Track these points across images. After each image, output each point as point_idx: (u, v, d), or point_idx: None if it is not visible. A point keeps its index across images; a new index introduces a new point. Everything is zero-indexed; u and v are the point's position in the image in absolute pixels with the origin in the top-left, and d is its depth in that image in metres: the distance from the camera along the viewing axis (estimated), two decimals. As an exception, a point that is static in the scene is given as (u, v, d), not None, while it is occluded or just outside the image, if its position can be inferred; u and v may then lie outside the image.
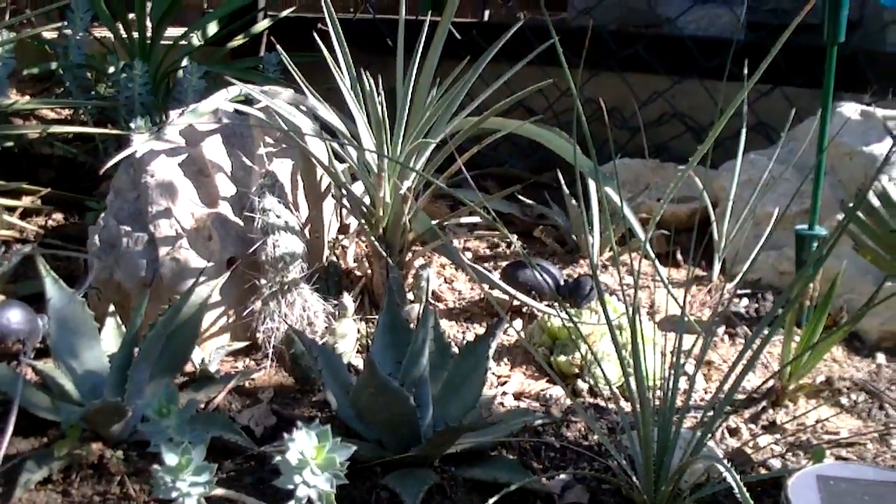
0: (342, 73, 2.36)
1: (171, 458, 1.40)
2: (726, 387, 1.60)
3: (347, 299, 2.19)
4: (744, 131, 2.56)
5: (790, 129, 2.56)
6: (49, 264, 1.96)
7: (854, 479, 1.57)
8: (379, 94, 2.25)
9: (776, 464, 1.79)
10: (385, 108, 2.24)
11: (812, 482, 1.55)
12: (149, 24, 3.31)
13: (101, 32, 3.46)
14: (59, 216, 2.92)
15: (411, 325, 1.88)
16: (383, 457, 1.69)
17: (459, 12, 2.38)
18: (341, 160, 2.40)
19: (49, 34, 3.64)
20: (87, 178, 3.12)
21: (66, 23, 3.22)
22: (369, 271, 2.36)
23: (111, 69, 3.11)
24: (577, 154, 1.72)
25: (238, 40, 3.47)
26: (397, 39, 2.34)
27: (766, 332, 1.61)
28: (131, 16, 3.37)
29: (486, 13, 3.80)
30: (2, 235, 2.66)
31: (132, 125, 2.53)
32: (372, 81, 2.25)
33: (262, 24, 3.54)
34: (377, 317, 2.23)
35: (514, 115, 2.36)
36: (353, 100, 2.32)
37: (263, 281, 2.14)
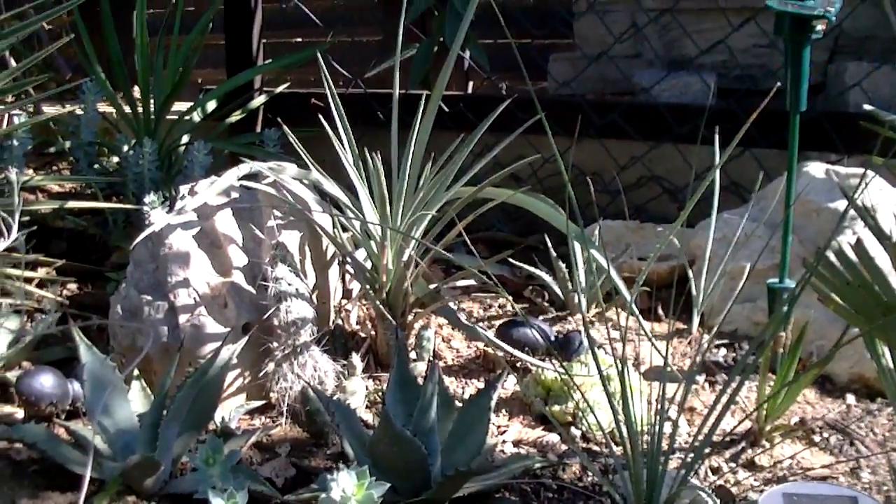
0: (344, 147, 2.54)
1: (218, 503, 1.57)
2: (706, 428, 1.78)
3: (356, 359, 2.37)
4: (717, 192, 2.73)
5: (760, 188, 2.73)
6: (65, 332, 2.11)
7: (814, 494, 1.77)
8: (377, 167, 2.43)
9: (755, 497, 1.96)
10: (386, 182, 2.42)
11: (779, 499, 1.75)
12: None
13: (105, 107, 3.61)
14: (73, 286, 3.07)
15: (419, 382, 2.05)
16: (398, 502, 1.86)
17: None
18: (344, 229, 2.57)
19: (50, 110, 3.81)
20: (97, 249, 3.28)
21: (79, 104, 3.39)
22: (373, 333, 2.53)
23: (125, 147, 3.28)
24: (567, 220, 1.89)
25: (236, 116, 3.65)
26: (390, 113, 2.52)
27: (739, 377, 1.79)
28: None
29: (470, 85, 3.98)
30: (22, 305, 2.80)
31: (145, 200, 2.70)
32: (377, 158, 2.42)
33: (259, 100, 3.71)
34: (383, 375, 2.42)
35: (500, 182, 2.53)
36: (356, 173, 2.50)
37: (276, 344, 2.30)
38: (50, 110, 3.88)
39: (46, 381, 2.32)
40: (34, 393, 2.30)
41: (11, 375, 2.48)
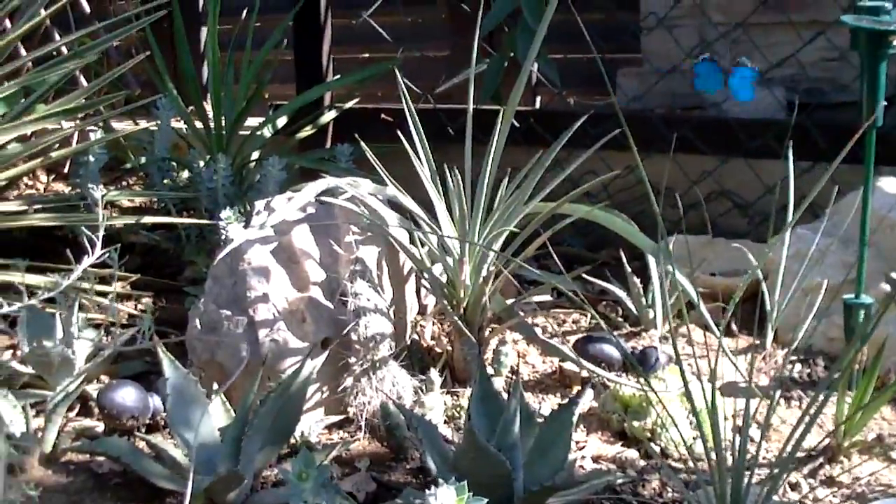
0: (422, 162, 2.55)
1: (311, 517, 1.59)
2: (789, 445, 1.77)
3: (434, 374, 2.38)
4: (791, 207, 2.71)
5: (834, 203, 2.72)
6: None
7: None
8: (458, 183, 2.44)
9: (834, 515, 1.96)
10: (465, 198, 2.43)
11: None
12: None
13: (175, 123, 3.65)
14: (147, 300, 3.10)
15: (500, 397, 2.06)
16: (484, 516, 1.87)
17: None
18: (420, 244, 2.58)
19: (120, 126, 3.85)
20: (170, 264, 3.31)
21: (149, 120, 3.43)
22: (449, 348, 2.54)
23: (199, 162, 3.31)
24: (640, 234, 1.89)
25: (306, 131, 3.67)
26: (460, 128, 2.53)
27: (823, 395, 1.79)
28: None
29: (538, 99, 3.99)
30: (97, 319, 2.83)
31: (221, 216, 2.72)
32: (457, 174, 2.43)
33: (329, 116, 3.73)
34: (460, 390, 2.43)
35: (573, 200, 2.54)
36: (434, 188, 2.51)
37: (354, 359, 2.32)
38: (119, 126, 3.92)
39: (128, 395, 2.34)
40: (116, 406, 2.32)
41: (91, 389, 2.51)
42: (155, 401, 2.38)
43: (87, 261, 2.16)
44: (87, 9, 4.55)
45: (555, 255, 2.63)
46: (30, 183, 4.32)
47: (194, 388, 2.11)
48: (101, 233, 2.22)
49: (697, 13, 3.59)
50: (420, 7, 4.15)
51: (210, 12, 3.52)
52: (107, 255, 2.16)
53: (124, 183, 4.06)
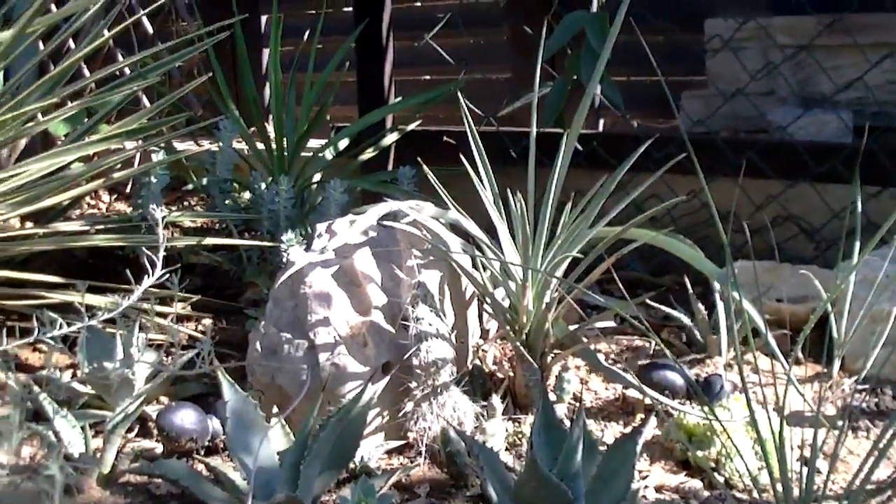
0: (484, 185, 2.53)
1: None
2: (858, 479, 1.73)
3: (496, 400, 2.36)
4: (858, 232, 2.67)
5: (901, 229, 2.67)
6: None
7: None
8: (521, 207, 2.42)
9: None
10: (528, 223, 2.40)
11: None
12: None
13: (237, 144, 3.65)
14: (207, 321, 3.10)
15: (563, 425, 2.03)
16: (546, 546, 1.84)
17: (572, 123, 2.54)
18: (482, 268, 2.56)
19: (182, 146, 3.86)
20: (230, 285, 3.31)
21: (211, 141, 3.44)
22: (511, 373, 2.52)
23: (261, 184, 3.30)
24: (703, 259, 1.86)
25: (368, 154, 3.66)
26: (523, 151, 2.51)
27: (891, 428, 1.74)
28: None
29: (601, 122, 3.96)
30: (157, 340, 2.83)
31: (283, 238, 2.71)
32: (520, 198, 2.41)
33: (391, 138, 3.72)
34: (521, 416, 2.40)
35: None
36: (496, 212, 2.49)
37: (415, 384, 2.29)
38: (181, 147, 3.93)
39: (187, 417, 2.34)
40: (175, 429, 2.32)
41: (150, 410, 2.50)
42: (214, 423, 2.37)
43: (148, 282, 2.16)
44: (150, 30, 4.58)
45: (618, 280, 2.60)
46: (92, 203, 4.35)
47: (254, 411, 2.10)
48: (162, 253, 2.22)
49: (762, 35, 3.55)
50: (482, 28, 4.12)
51: (272, 34, 3.53)
52: (167, 276, 2.16)
53: (186, 203, 4.07)
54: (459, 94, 2.76)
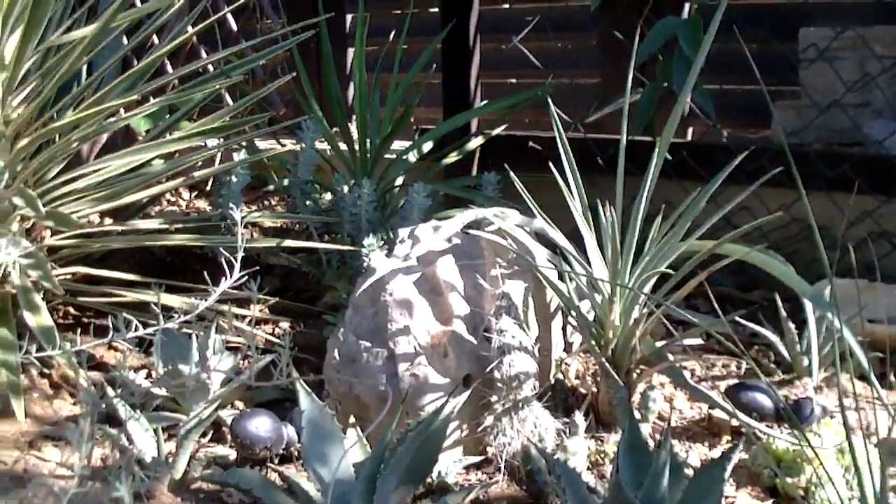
0: (573, 194, 2.47)
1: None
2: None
3: (579, 417, 2.28)
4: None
5: None
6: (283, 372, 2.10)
7: None
8: (612, 219, 2.34)
9: None
10: (617, 235, 2.33)
11: None
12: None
13: (320, 144, 3.61)
14: (285, 325, 3.06)
15: (649, 447, 1.96)
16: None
17: (662, 131, 2.47)
18: (567, 279, 2.49)
19: (263, 145, 3.83)
20: (309, 288, 3.27)
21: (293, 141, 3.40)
22: (594, 389, 2.44)
23: (343, 186, 3.25)
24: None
25: (451, 158, 3.59)
26: (610, 160, 2.44)
27: None
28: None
29: (690, 131, 3.87)
30: (233, 342, 2.80)
31: (364, 243, 2.66)
32: (610, 209, 2.34)
33: (476, 142, 3.65)
34: (604, 434, 2.32)
35: (722, 236, 2.43)
36: (584, 222, 2.42)
37: (496, 398, 2.23)
38: (262, 146, 3.91)
39: (262, 425, 2.29)
40: (249, 436, 2.27)
41: (225, 415, 2.46)
42: (289, 431, 2.32)
43: (225, 284, 2.11)
44: (234, 27, 4.56)
45: (704, 295, 2.53)
46: (172, 199, 4.33)
47: (330, 422, 2.04)
48: (241, 255, 2.18)
49: (859, 45, 3.44)
50: (570, 33, 4.04)
51: (357, 34, 3.48)
52: (245, 277, 2.12)
53: (265, 203, 4.04)
54: (549, 99, 2.69)
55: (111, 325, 2.06)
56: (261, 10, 4.51)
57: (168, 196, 4.30)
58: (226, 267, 2.17)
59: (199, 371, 2.41)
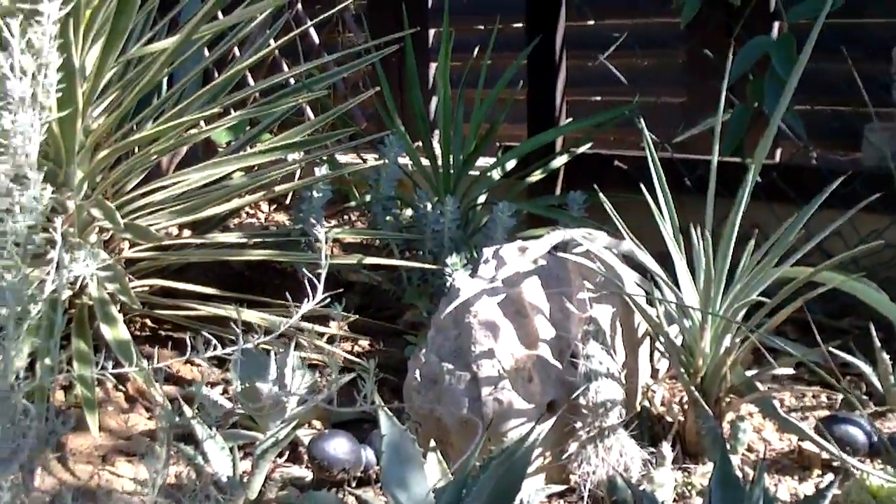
0: (663, 216, 2.40)
1: None
2: None
3: (666, 448, 2.21)
4: None
5: None
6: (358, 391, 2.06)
7: None
8: (706, 244, 2.28)
9: None
10: (711, 261, 2.26)
11: None
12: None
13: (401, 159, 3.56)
14: (364, 343, 3.02)
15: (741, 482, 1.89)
16: None
17: (751, 152, 2.40)
18: (652, 303, 2.42)
19: (344, 159, 3.80)
20: (389, 305, 3.22)
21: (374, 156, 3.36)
22: (681, 418, 2.37)
23: (427, 204, 3.21)
24: None
25: (536, 176, 3.53)
26: (699, 181, 2.38)
27: None
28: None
29: (779, 152, 3.78)
30: (313, 360, 2.76)
31: (447, 262, 2.61)
32: (705, 237, 2.27)
33: (560, 161, 3.58)
34: (691, 466, 2.26)
35: (811, 261, 2.36)
36: (675, 246, 2.36)
37: (581, 425, 2.17)
38: (343, 160, 3.88)
39: (340, 447, 2.25)
40: (327, 457, 2.23)
41: (303, 434, 2.43)
42: (367, 453, 2.28)
43: (309, 305, 2.07)
44: (317, 40, 4.53)
45: (794, 322, 2.46)
46: (251, 212, 4.31)
47: (411, 446, 1.99)
48: (325, 273, 2.14)
49: (955, 65, 3.36)
50: (657, 50, 3.97)
51: (442, 48, 3.43)
52: (324, 299, 2.08)
53: (345, 218, 4.01)
54: (641, 118, 2.63)
55: (188, 342, 2.03)
56: (343, 24, 4.47)
57: (247, 209, 4.28)
58: (307, 284, 2.13)
59: (276, 389, 2.37)
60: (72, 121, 2.54)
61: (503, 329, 2.25)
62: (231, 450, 2.19)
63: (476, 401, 2.19)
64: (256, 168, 3.26)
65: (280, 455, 2.39)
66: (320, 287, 2.07)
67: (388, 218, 3.35)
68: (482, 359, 2.21)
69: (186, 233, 3.59)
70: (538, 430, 2.00)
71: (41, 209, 1.73)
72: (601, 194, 2.49)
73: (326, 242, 2.32)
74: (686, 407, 2.35)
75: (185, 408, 2.24)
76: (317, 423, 2.56)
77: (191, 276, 3.10)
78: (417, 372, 2.30)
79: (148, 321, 3.09)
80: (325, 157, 3.31)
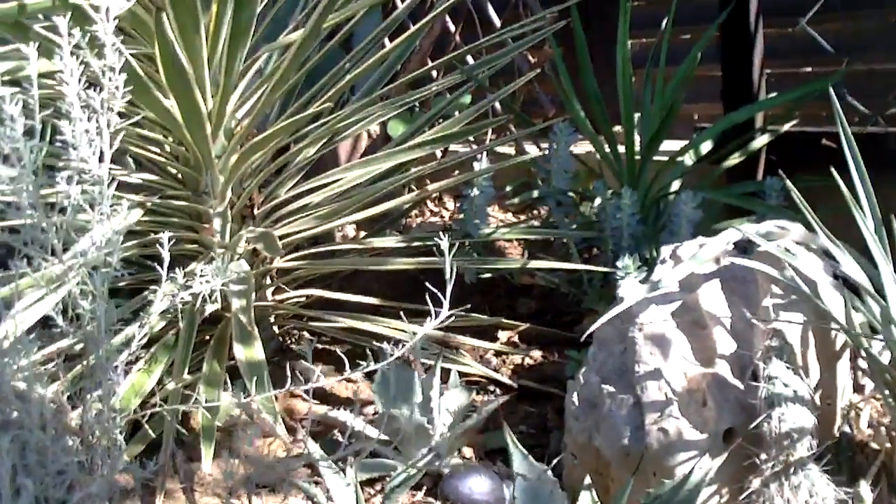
0: (861, 206, 2.01)
1: None
2: None
3: (865, 489, 1.85)
4: None
5: None
6: (523, 411, 1.93)
7: None
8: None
9: None
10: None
11: None
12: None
13: (581, 147, 3.28)
14: (536, 354, 2.72)
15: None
16: None
17: None
18: (856, 308, 2.04)
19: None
20: (568, 310, 2.92)
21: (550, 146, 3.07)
22: (888, 445, 2.00)
23: (599, 198, 2.91)
24: None
25: (733, 159, 3.15)
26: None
27: None
28: (616, 128, 3.16)
29: None
30: (475, 376, 2.50)
31: (618, 264, 2.28)
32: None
33: (761, 141, 3.18)
34: (900, 506, 1.89)
35: None
36: (876, 243, 1.97)
37: (764, 457, 1.82)
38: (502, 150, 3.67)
39: (477, 486, 1.98)
40: (461, 498, 1.98)
41: (454, 463, 2.16)
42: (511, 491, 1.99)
43: (435, 319, 1.79)
44: (497, 23, 4.25)
45: None
46: (435, 210, 4.06)
47: (551, 489, 1.70)
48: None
49: None
50: (865, 11, 3.53)
51: (620, 22, 3.08)
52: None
53: (527, 215, 3.74)
54: (833, 89, 2.24)
55: (342, 357, 1.83)
56: (524, 6, 4.16)
57: (431, 206, 4.03)
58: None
59: (420, 413, 2.11)
60: (199, 124, 2.33)
61: (675, 343, 1.93)
62: (356, 486, 1.91)
63: (638, 429, 1.88)
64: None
65: (418, 487, 2.14)
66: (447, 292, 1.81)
67: (565, 215, 3.05)
68: (647, 380, 1.89)
69: (362, 233, 3.37)
70: (705, 468, 1.68)
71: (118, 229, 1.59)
72: (787, 182, 2.12)
73: (494, 243, 2.08)
74: (894, 434, 1.97)
75: (311, 444, 2.00)
76: (467, 451, 2.27)
77: (360, 283, 2.93)
78: (575, 395, 2.01)
79: (306, 333, 2.86)
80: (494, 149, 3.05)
